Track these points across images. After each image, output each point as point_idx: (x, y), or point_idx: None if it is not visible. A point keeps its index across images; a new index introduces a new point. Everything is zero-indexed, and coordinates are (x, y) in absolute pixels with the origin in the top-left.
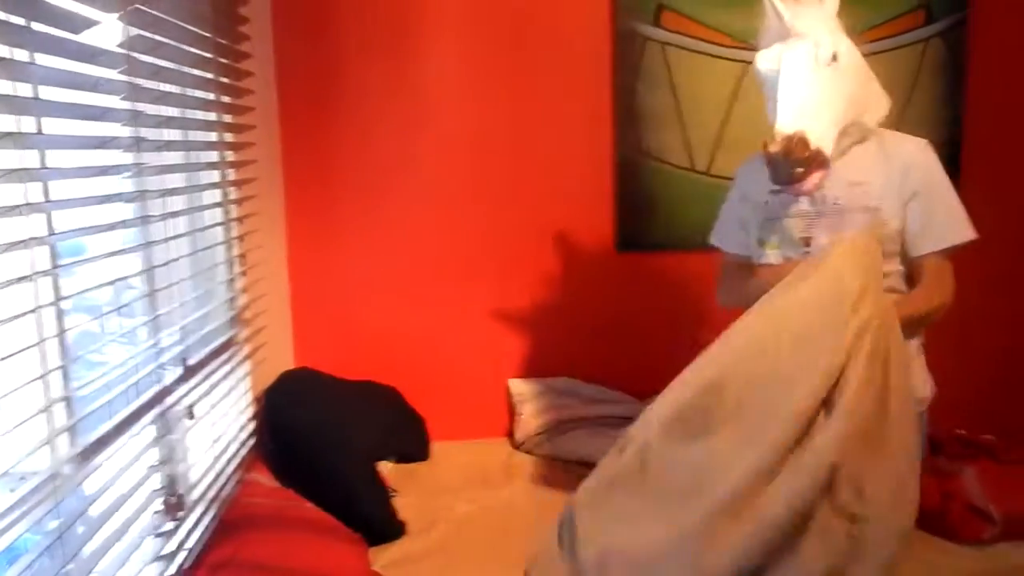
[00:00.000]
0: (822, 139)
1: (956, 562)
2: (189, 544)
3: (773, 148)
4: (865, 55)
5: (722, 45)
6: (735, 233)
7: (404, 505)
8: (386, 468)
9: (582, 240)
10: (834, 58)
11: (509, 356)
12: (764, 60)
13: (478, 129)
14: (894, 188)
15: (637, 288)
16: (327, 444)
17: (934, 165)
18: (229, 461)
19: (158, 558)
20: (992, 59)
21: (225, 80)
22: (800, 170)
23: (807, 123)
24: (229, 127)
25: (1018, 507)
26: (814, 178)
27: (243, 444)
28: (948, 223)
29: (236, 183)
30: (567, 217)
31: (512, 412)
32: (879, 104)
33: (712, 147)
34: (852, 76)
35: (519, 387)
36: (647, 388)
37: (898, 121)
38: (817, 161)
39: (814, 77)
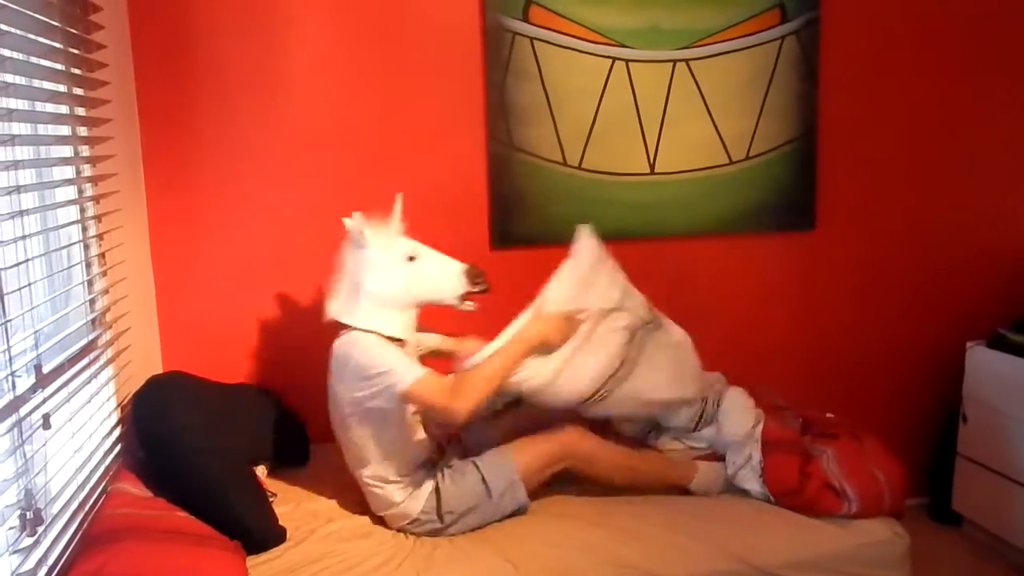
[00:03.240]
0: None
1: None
2: (50, 560)
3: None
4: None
5: (589, 41)
6: None
7: (284, 512)
8: (263, 473)
9: (457, 236)
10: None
11: None
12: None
13: (345, 123)
14: None
15: (512, 284)
16: (197, 450)
17: None
18: (92, 471)
19: None
20: (842, 55)
21: (77, 71)
22: None
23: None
24: (83, 120)
25: (873, 486)
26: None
27: (108, 453)
28: None
29: (93, 179)
30: (441, 213)
31: None
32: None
33: (583, 141)
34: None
35: None
36: None
37: (757, 115)
38: None
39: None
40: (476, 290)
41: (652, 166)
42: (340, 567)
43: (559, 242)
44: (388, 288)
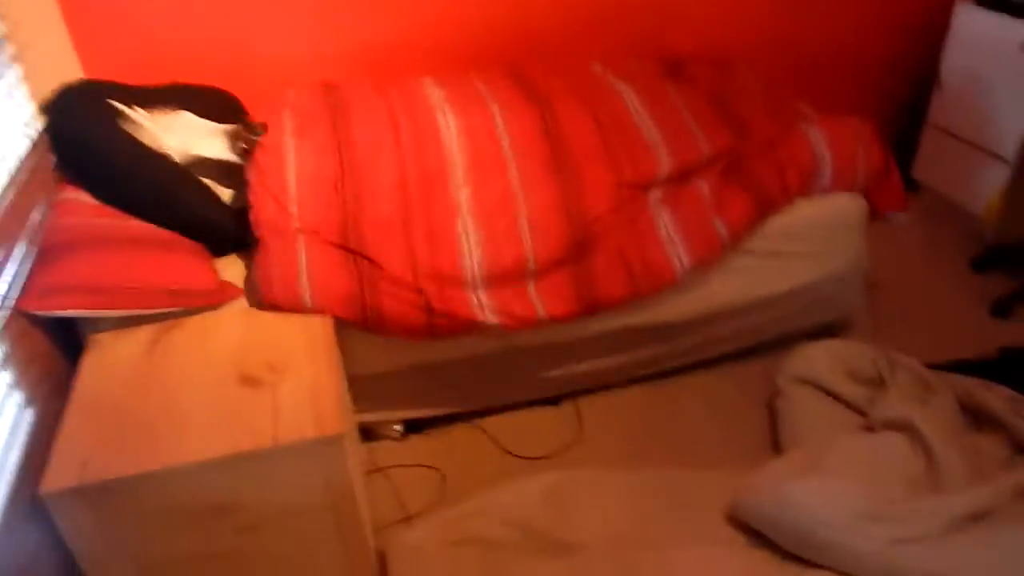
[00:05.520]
0: None
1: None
2: (7, 278)
3: None
4: None
5: None
6: None
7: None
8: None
9: None
10: None
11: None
12: None
13: None
14: None
15: None
16: (135, 155)
17: None
18: (13, 174)
19: None
20: None
21: None
22: None
23: None
24: None
25: (851, 162)
26: None
27: (29, 155)
28: None
29: None
30: None
31: None
32: None
33: None
34: None
35: None
36: None
37: None
38: None
39: None
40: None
41: None
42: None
43: None
44: None
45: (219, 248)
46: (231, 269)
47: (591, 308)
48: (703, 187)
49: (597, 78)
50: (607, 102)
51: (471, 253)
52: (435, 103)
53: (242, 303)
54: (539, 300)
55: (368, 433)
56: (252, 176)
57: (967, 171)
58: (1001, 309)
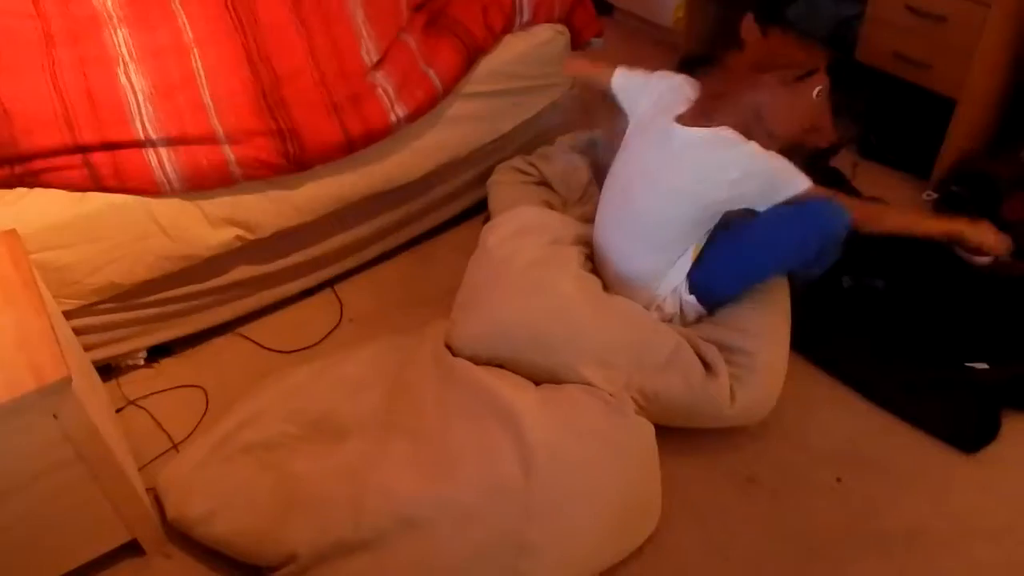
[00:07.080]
0: None
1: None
2: None
3: None
4: None
5: None
6: None
7: None
8: None
9: None
10: None
11: None
12: None
13: None
14: None
15: None
16: None
17: None
18: None
19: None
20: None
21: None
22: None
23: None
24: None
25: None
26: None
27: None
28: None
29: None
30: None
31: None
32: None
33: None
34: None
35: None
36: None
37: None
38: None
39: None
40: None
41: None
42: None
43: None
44: None
45: None
46: None
47: (298, 161)
48: (410, 41)
49: None
50: None
51: (141, 110)
52: None
53: None
54: (235, 160)
55: (110, 370)
56: None
57: None
58: None
